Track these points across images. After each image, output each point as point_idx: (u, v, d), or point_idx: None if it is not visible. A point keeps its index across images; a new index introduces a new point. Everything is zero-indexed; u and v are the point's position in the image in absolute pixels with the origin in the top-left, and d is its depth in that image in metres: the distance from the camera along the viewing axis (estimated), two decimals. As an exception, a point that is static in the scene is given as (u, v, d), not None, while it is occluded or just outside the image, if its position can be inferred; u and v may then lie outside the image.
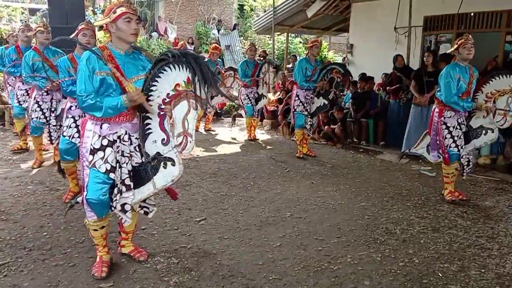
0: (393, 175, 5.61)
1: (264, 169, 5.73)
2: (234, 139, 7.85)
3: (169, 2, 17.59)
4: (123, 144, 2.74)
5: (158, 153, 2.72)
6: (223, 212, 4.11)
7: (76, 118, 3.98)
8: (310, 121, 6.35)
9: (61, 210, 3.99)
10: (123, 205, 2.75)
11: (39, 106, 4.98)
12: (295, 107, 6.28)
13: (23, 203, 4.16)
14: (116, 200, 2.72)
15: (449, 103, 4.25)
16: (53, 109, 4.98)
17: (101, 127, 2.70)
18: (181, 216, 3.98)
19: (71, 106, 4.00)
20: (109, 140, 2.71)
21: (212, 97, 7.52)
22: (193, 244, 3.39)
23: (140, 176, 2.78)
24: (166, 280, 2.83)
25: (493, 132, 4.45)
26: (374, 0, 9.24)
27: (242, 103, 7.69)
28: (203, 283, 2.83)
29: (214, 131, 8.58)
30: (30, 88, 5.35)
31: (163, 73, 2.61)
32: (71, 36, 3.99)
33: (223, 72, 8.00)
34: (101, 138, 2.70)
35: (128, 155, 2.76)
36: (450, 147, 4.34)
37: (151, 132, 2.72)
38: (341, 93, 6.74)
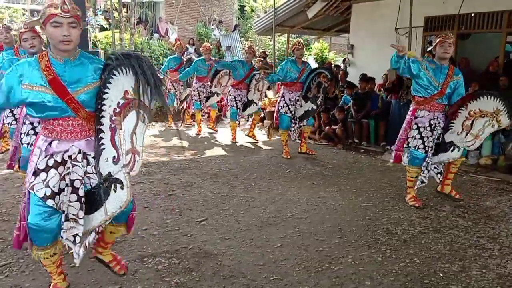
0: (394, 175, 5.61)
1: (265, 170, 5.73)
2: (236, 141, 7.81)
3: (170, 3, 17.61)
4: (75, 165, 2.34)
5: (109, 173, 2.36)
6: (224, 213, 4.11)
7: (35, 125, 3.62)
8: (297, 125, 6.26)
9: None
10: (74, 236, 2.37)
11: (11, 111, 4.68)
12: (280, 108, 6.30)
13: (25, 204, 4.16)
14: (63, 229, 2.34)
15: (392, 63, 4.16)
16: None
17: (50, 145, 2.33)
18: (182, 216, 3.99)
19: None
20: (55, 161, 2.32)
21: (245, 107, 7.37)
22: (194, 245, 3.39)
23: (94, 200, 2.39)
24: (167, 281, 2.84)
25: (458, 150, 4.24)
26: (374, 0, 9.25)
27: (227, 103, 7.57)
28: (204, 284, 2.83)
29: (216, 131, 8.57)
30: None
31: (112, 78, 2.26)
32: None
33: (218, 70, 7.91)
34: (47, 157, 2.32)
35: (81, 177, 2.35)
36: (418, 148, 4.23)
37: (104, 149, 2.34)
38: (327, 97, 6.64)
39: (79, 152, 2.36)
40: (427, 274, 3.02)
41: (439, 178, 4.43)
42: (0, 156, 6.02)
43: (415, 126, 4.27)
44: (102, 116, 2.30)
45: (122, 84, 2.28)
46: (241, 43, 16.30)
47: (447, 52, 4.10)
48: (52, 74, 2.24)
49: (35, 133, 3.60)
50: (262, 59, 11.31)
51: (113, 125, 2.31)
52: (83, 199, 2.34)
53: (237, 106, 7.34)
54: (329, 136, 7.62)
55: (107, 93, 2.27)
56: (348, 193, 4.82)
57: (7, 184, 4.75)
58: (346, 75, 9.52)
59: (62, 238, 2.37)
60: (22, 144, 3.67)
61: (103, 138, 2.33)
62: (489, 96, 4.11)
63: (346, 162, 6.37)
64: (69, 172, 2.34)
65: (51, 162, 2.32)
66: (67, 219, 2.34)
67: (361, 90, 7.77)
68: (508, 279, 2.96)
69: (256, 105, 7.45)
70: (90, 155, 2.38)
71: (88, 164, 2.39)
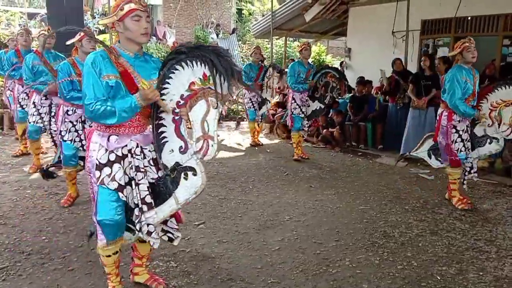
0: (392, 178, 5.62)
1: (262, 173, 5.74)
2: (239, 144, 7.79)
3: (167, 6, 17.64)
4: (136, 159, 2.42)
5: (177, 163, 2.41)
6: (222, 216, 4.11)
7: (74, 123, 3.99)
8: (307, 123, 6.46)
9: (60, 215, 4.00)
10: (148, 225, 2.43)
11: (37, 110, 4.98)
12: (292, 110, 6.34)
13: (22, 207, 4.16)
14: (140, 222, 2.40)
15: (453, 107, 4.20)
16: (53, 114, 4.95)
17: (108, 140, 2.38)
18: (179, 220, 3.98)
19: (67, 111, 3.99)
20: (117, 155, 2.38)
21: (260, 107, 7.42)
22: (192, 248, 3.39)
23: (159, 192, 2.45)
24: (165, 284, 2.83)
25: (498, 142, 4.39)
26: (372, 4, 9.29)
27: (245, 107, 7.68)
28: (202, 287, 2.83)
29: (218, 135, 8.51)
30: (30, 92, 5.37)
31: (174, 73, 2.33)
32: (68, 42, 4.01)
33: None
34: (108, 152, 2.38)
35: (143, 170, 2.43)
36: (460, 151, 4.29)
37: (167, 141, 2.42)
38: (339, 97, 6.77)
39: (137, 146, 2.43)
40: (424, 277, 3.02)
41: (477, 177, 4.56)
42: (6, 160, 6.01)
43: (453, 130, 4.31)
44: (162, 111, 2.37)
45: (187, 77, 2.32)
46: (239, 46, 16.34)
47: (475, 56, 4.19)
48: (123, 67, 2.34)
49: (76, 131, 3.98)
50: (260, 62, 11.32)
51: (177, 117, 2.37)
52: (149, 190, 2.41)
53: (254, 107, 7.47)
54: (327, 139, 7.63)
55: (167, 88, 2.34)
56: (345, 196, 4.83)
57: (4, 188, 4.74)
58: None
59: (139, 231, 2.41)
60: (65, 141, 3.96)
61: (164, 132, 2.40)
62: (507, 86, 4.25)
63: (343, 165, 6.38)
64: (131, 166, 2.41)
65: (112, 157, 2.37)
66: (142, 211, 2.39)
67: (358, 93, 7.79)
68: (505, 282, 2.97)
69: (269, 102, 7.60)
70: (146, 148, 2.47)
71: (144, 157, 2.46)
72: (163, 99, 2.35)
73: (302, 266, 3.14)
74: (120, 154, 2.39)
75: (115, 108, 2.27)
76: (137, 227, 2.41)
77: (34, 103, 4.99)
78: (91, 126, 2.65)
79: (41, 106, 4.96)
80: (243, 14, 19.18)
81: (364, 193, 4.92)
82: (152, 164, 2.48)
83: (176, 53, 2.32)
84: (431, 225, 3.98)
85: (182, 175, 2.39)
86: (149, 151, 2.48)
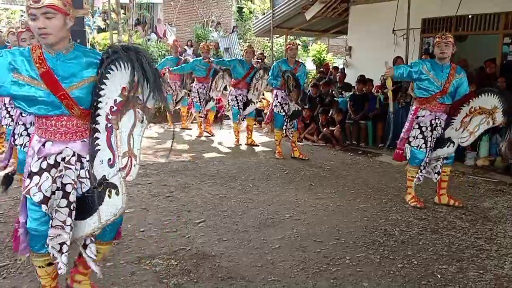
0: (392, 176, 5.62)
1: (263, 171, 5.73)
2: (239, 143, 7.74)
3: (168, 4, 17.62)
4: (68, 168, 2.20)
5: (104, 178, 2.20)
6: (222, 214, 4.11)
7: (28, 126, 3.60)
8: (290, 123, 6.31)
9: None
10: (61, 244, 2.19)
11: (8, 112, 4.54)
12: (273, 107, 6.39)
13: (22, 206, 4.15)
14: (49, 236, 2.18)
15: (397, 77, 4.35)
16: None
17: (43, 146, 2.19)
18: (180, 218, 3.98)
19: (21, 112, 3.56)
20: (48, 163, 2.17)
21: (245, 107, 7.30)
22: (192, 246, 3.39)
23: (87, 205, 2.24)
24: (165, 282, 2.84)
25: (453, 146, 4.27)
26: (372, 2, 9.27)
27: (229, 104, 7.53)
28: (202, 285, 2.83)
29: (214, 135, 8.47)
30: None
31: (110, 73, 2.11)
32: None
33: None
34: (41, 159, 2.18)
35: (73, 182, 2.21)
36: (420, 147, 4.25)
37: (99, 149, 2.18)
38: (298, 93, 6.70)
39: (73, 155, 2.22)
40: (424, 275, 3.02)
41: (436, 179, 4.42)
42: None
43: (416, 126, 4.29)
44: (98, 115, 2.16)
45: (119, 80, 2.12)
46: (240, 44, 16.32)
47: (444, 52, 4.13)
48: (45, 67, 2.10)
49: (28, 134, 3.55)
50: (260, 60, 11.32)
51: (109, 125, 2.16)
52: (73, 205, 2.20)
53: (238, 106, 7.31)
54: (327, 138, 7.63)
55: (103, 89, 2.12)
56: (346, 194, 4.83)
57: (4, 186, 4.73)
58: (344, 76, 9.53)
59: (47, 246, 2.20)
60: (16, 145, 3.62)
61: (98, 138, 2.17)
62: (490, 93, 4.14)
63: (344, 163, 6.38)
64: (61, 175, 2.20)
65: (44, 165, 2.18)
66: (53, 226, 2.19)
67: (358, 91, 7.79)
68: (505, 280, 2.97)
69: (254, 104, 7.43)
70: (85, 158, 2.24)
71: (82, 167, 2.25)
72: (100, 101, 2.14)
73: (302, 265, 3.14)
74: (52, 162, 2.19)
75: None
76: (48, 241, 2.19)
77: (4, 104, 4.59)
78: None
79: (12, 108, 4.47)
80: (244, 12, 19.15)
81: (365, 192, 4.92)
82: (89, 176, 2.25)
83: (112, 52, 2.12)
84: (432, 223, 3.98)
85: (107, 191, 2.20)
86: (87, 161, 2.24)
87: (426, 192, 4.92)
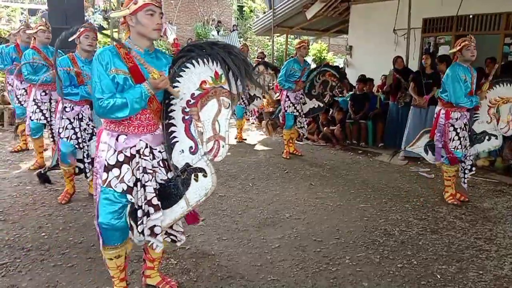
0: (392, 176, 5.62)
1: (262, 170, 5.73)
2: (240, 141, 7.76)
3: (168, 3, 17.60)
4: (144, 159, 2.36)
5: (187, 164, 2.36)
6: (222, 213, 4.11)
7: (72, 120, 3.94)
8: (303, 121, 6.36)
9: (59, 211, 4.00)
10: (152, 228, 2.37)
11: (39, 107, 4.89)
12: (286, 108, 6.30)
13: (22, 204, 4.16)
14: (142, 224, 2.35)
15: (460, 104, 4.20)
16: (53, 110, 4.91)
17: (117, 140, 2.33)
18: (179, 217, 3.98)
19: (65, 107, 3.94)
20: (125, 156, 2.32)
21: (249, 102, 7.36)
22: (192, 245, 3.39)
23: (170, 193, 2.40)
24: (164, 281, 2.83)
25: (496, 138, 4.43)
26: (373, 2, 9.26)
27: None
28: (202, 284, 2.83)
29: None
30: (28, 88, 5.32)
31: (185, 71, 2.29)
32: (70, 38, 3.97)
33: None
34: (116, 153, 2.32)
35: (151, 171, 2.37)
36: (456, 148, 4.32)
37: (177, 141, 2.37)
38: (341, 95, 6.75)
39: (146, 147, 2.36)
40: (424, 275, 3.02)
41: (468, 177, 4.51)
42: (6, 156, 6.01)
43: (451, 128, 4.33)
44: (172, 110, 2.33)
45: (198, 75, 2.27)
46: (240, 43, 16.31)
47: (474, 55, 4.19)
48: (132, 62, 2.27)
49: (73, 128, 3.93)
50: (260, 59, 11.30)
51: (187, 117, 2.32)
52: (155, 189, 2.36)
53: (243, 102, 7.39)
54: (327, 137, 7.62)
55: (177, 86, 2.29)
56: (346, 194, 4.83)
57: (4, 184, 4.74)
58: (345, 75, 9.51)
59: (142, 233, 2.35)
60: (62, 138, 3.90)
61: (174, 132, 2.35)
62: (504, 83, 4.27)
63: (344, 163, 6.37)
64: (138, 167, 2.34)
65: (121, 158, 2.31)
66: (145, 214, 2.33)
67: (358, 91, 7.78)
68: (505, 281, 2.97)
69: (260, 99, 7.50)
70: (156, 149, 2.40)
71: (153, 158, 2.39)
72: (172, 98, 2.32)
73: (302, 264, 3.14)
74: (129, 155, 2.33)
75: (126, 99, 2.19)
76: (139, 229, 2.36)
77: (34, 100, 4.90)
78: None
79: (42, 103, 4.87)
80: (244, 11, 19.16)
81: (365, 191, 4.91)
82: (162, 165, 2.41)
83: (187, 51, 2.29)
84: (431, 223, 3.98)
85: (193, 176, 2.35)
86: (159, 151, 2.41)
87: (426, 192, 4.92)
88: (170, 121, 2.36)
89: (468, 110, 4.36)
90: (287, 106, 6.27)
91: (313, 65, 14.97)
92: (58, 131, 3.98)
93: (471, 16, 7.61)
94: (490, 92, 4.32)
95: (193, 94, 2.29)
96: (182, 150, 2.36)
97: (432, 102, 6.18)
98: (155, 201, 2.35)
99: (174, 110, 2.34)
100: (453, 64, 4.34)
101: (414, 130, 6.26)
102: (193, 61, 2.27)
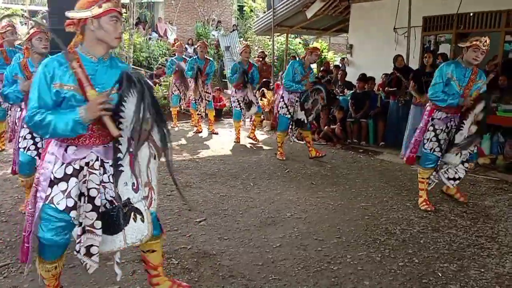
0: (393, 175, 5.62)
1: (264, 170, 5.73)
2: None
3: (168, 3, 17.61)
4: (92, 173, 2.17)
5: (128, 200, 2.18)
6: (223, 213, 4.11)
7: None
8: (294, 126, 6.21)
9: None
10: (88, 247, 2.16)
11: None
12: (279, 109, 6.23)
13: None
14: (80, 242, 2.16)
15: (432, 99, 4.06)
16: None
17: (65, 151, 2.15)
18: (181, 217, 3.99)
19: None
20: (74, 168, 2.14)
21: (248, 107, 7.24)
22: (193, 245, 3.39)
23: (113, 221, 2.19)
24: (166, 281, 2.83)
25: (460, 156, 4.08)
26: (373, 0, 9.26)
27: (231, 105, 7.56)
28: (203, 284, 2.83)
29: (217, 133, 8.43)
30: None
31: (127, 97, 2.06)
32: (18, 42, 3.82)
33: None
34: (64, 165, 2.14)
35: (98, 186, 2.18)
36: (434, 151, 4.13)
37: (123, 171, 2.16)
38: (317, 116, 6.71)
39: (97, 159, 2.20)
40: (425, 273, 3.02)
41: (452, 185, 4.29)
42: (7, 158, 6.01)
43: (431, 128, 4.16)
44: (120, 135, 2.12)
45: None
46: (240, 43, 16.30)
47: (478, 58, 3.87)
48: (77, 74, 2.10)
49: (32, 137, 3.54)
50: (261, 59, 11.30)
51: (131, 149, 2.14)
52: (100, 209, 2.18)
53: (240, 107, 7.32)
54: (328, 136, 7.62)
55: (123, 111, 2.08)
56: (347, 193, 4.83)
57: (6, 185, 4.75)
58: (345, 75, 9.52)
59: (78, 252, 2.17)
60: (19, 148, 3.60)
61: (120, 159, 2.16)
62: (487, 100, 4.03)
63: (345, 162, 6.37)
64: (85, 180, 2.17)
65: (69, 170, 2.14)
66: (83, 232, 2.16)
67: (359, 90, 7.77)
68: (506, 278, 2.97)
69: (255, 105, 7.34)
70: (107, 162, 2.22)
71: (104, 172, 2.21)
72: (120, 122, 2.08)
73: (303, 263, 3.14)
74: (78, 167, 2.15)
75: (51, 119, 2.00)
76: (76, 247, 2.18)
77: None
78: None
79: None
80: (245, 10, 19.11)
81: (366, 190, 4.91)
82: (112, 180, 2.20)
83: (127, 77, 2.07)
84: (433, 222, 3.97)
85: (132, 215, 2.19)
86: (110, 165, 2.21)
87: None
88: (117, 145, 2.16)
89: (460, 115, 4.02)
90: (280, 107, 6.16)
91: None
92: (17, 140, 3.65)
93: (471, 14, 7.60)
94: (478, 106, 3.91)
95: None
96: (126, 183, 2.17)
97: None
98: (97, 224, 2.16)
99: (122, 137, 2.14)
100: (450, 61, 4.18)
101: (415, 129, 6.26)
102: (130, 91, 2.06)
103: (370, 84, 7.76)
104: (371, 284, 2.88)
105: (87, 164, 2.18)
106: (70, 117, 2.01)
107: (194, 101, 8.21)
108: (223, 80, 14.57)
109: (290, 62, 6.33)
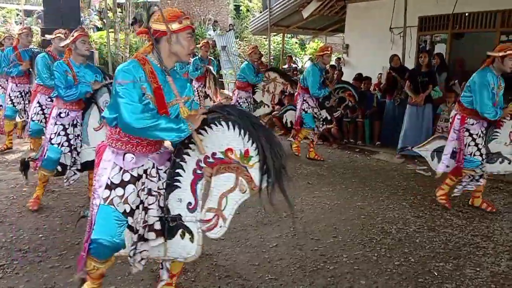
0: (389, 174, 5.63)
1: (260, 170, 5.71)
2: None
3: (165, 3, 17.58)
4: (150, 180, 2.23)
5: (179, 216, 2.19)
6: (220, 213, 4.10)
7: (66, 126, 3.76)
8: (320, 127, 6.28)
9: (56, 212, 3.99)
10: (141, 251, 2.25)
11: (42, 110, 4.84)
12: (306, 110, 6.12)
13: (19, 205, 4.14)
14: (135, 248, 2.21)
15: (485, 113, 3.89)
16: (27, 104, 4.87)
17: (123, 158, 2.17)
18: (177, 217, 3.97)
19: (60, 113, 3.76)
20: (132, 175, 2.17)
21: (254, 108, 7.05)
22: (189, 245, 3.38)
23: (158, 230, 2.25)
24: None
25: (509, 163, 4.10)
26: (369, 0, 9.27)
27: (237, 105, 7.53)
28: (200, 284, 2.83)
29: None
30: (31, 92, 5.35)
31: (217, 126, 2.09)
32: (62, 44, 3.92)
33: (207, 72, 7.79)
34: (122, 171, 2.16)
35: (156, 193, 2.23)
36: (474, 155, 4.04)
37: (179, 187, 2.19)
38: (350, 116, 6.86)
39: (153, 166, 2.24)
40: (421, 272, 3.03)
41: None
42: (2, 158, 5.98)
43: (467, 133, 4.07)
44: (187, 153, 2.16)
45: (227, 139, 2.09)
46: (236, 43, 16.31)
47: None
48: (157, 83, 2.14)
49: (66, 134, 3.75)
50: (261, 62, 11.24)
51: (199, 171, 2.16)
52: (152, 221, 2.22)
53: (248, 107, 7.20)
54: (324, 136, 7.63)
55: (202, 134, 2.12)
56: (343, 192, 4.83)
57: (1, 186, 4.72)
58: (341, 75, 9.53)
59: (131, 258, 2.21)
60: (52, 144, 3.74)
61: (180, 176, 2.18)
62: None
63: (341, 161, 6.38)
64: (144, 187, 2.21)
65: (127, 177, 2.16)
66: (140, 239, 2.20)
67: (355, 89, 7.77)
68: (501, 277, 2.98)
69: (268, 107, 7.18)
70: (161, 169, 2.26)
71: (159, 179, 2.26)
72: (192, 143, 2.14)
73: (299, 263, 3.14)
74: (136, 175, 2.18)
75: (172, 125, 2.03)
76: (131, 253, 2.21)
77: (39, 103, 4.86)
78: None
79: (47, 107, 4.80)
80: (241, 10, 19.16)
81: (362, 190, 4.92)
82: (164, 187, 2.26)
83: (227, 111, 2.10)
84: (429, 221, 3.99)
85: (180, 231, 2.20)
86: (164, 172, 2.27)
87: (423, 190, 4.93)
88: (180, 162, 2.19)
89: (488, 122, 4.04)
90: (307, 108, 6.11)
91: (308, 63, 14.98)
92: (50, 137, 3.77)
93: (467, 14, 7.62)
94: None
95: (214, 153, 2.13)
96: (181, 200, 2.19)
97: (428, 100, 6.22)
98: (157, 226, 2.22)
99: (190, 156, 2.17)
100: (483, 68, 3.99)
101: (411, 128, 6.29)
102: (230, 124, 2.08)
103: (366, 84, 7.77)
104: (367, 283, 2.89)
105: (145, 171, 2.23)
106: (182, 123, 2.06)
107: (197, 101, 8.06)
108: (219, 80, 14.55)
109: (311, 71, 6.00)
